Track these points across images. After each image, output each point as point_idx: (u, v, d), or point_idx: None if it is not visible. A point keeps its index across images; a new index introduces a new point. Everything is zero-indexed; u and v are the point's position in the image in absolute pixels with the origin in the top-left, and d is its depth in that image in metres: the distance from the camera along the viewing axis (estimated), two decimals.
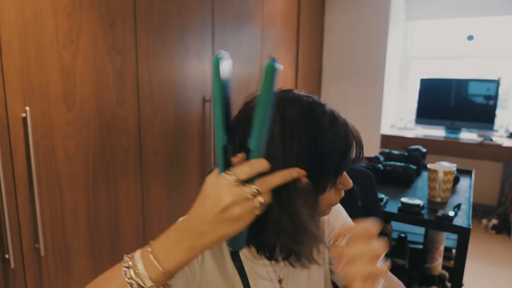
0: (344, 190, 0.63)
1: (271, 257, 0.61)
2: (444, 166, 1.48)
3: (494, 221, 3.13)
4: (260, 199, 0.46)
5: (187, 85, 1.70)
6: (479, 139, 3.00)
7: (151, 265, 0.46)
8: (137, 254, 0.48)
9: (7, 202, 1.04)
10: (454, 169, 1.47)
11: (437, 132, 3.30)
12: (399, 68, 3.65)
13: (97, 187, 1.33)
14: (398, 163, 1.73)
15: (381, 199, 1.41)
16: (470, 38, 3.35)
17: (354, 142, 0.58)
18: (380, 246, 0.50)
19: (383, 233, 1.32)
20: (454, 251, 1.71)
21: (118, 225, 1.43)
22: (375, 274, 0.48)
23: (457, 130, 3.20)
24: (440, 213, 1.30)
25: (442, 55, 3.54)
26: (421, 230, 1.77)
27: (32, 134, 1.08)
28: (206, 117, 1.85)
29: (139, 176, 1.49)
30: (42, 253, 1.14)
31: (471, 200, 1.51)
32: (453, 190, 1.60)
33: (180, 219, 0.52)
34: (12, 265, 1.06)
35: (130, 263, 0.47)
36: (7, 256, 1.05)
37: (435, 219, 1.30)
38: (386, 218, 1.37)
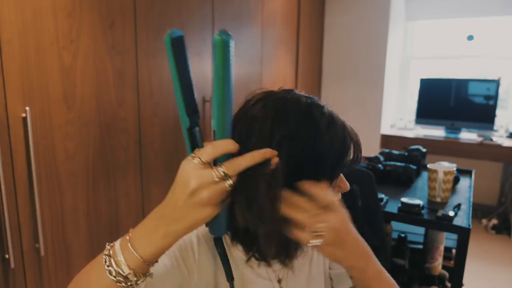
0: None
1: (246, 248, 0.61)
2: (444, 166, 1.48)
3: (494, 221, 3.13)
4: (229, 182, 0.44)
5: None
6: (479, 139, 3.00)
7: (129, 253, 0.46)
8: (117, 242, 0.48)
9: (7, 202, 1.04)
10: (454, 169, 1.47)
11: (437, 132, 3.30)
12: (399, 68, 3.65)
13: (97, 187, 1.33)
14: (398, 163, 1.73)
15: (381, 199, 1.41)
16: (470, 38, 3.35)
17: (352, 145, 0.58)
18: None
19: (383, 232, 1.32)
20: (454, 251, 1.71)
21: (118, 225, 1.43)
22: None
23: (457, 130, 3.20)
24: (440, 213, 1.30)
25: (442, 55, 3.54)
26: (421, 230, 1.77)
27: (32, 134, 1.08)
28: (206, 117, 1.85)
29: (139, 176, 1.49)
30: (42, 253, 1.14)
31: (471, 200, 1.51)
32: (453, 190, 1.60)
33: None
34: (12, 265, 1.06)
35: (111, 251, 0.47)
36: (7, 256, 1.05)
37: (435, 219, 1.30)
38: (386, 218, 1.37)
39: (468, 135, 3.18)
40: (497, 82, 3.01)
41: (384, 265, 0.65)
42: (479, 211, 3.33)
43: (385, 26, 3.11)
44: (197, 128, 0.47)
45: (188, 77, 0.46)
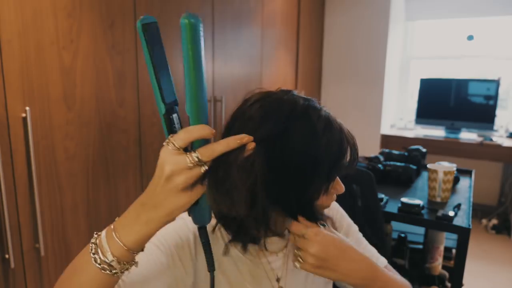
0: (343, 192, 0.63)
1: (234, 235, 0.63)
2: (444, 166, 1.48)
3: (494, 221, 3.13)
4: (204, 168, 0.44)
5: None
6: (479, 139, 3.00)
7: (113, 241, 0.46)
8: (104, 231, 0.48)
9: (7, 202, 1.04)
10: (454, 169, 1.47)
11: (437, 132, 3.30)
12: (399, 68, 3.65)
13: (97, 187, 1.33)
14: (398, 163, 1.73)
15: (381, 199, 1.41)
16: (470, 38, 3.35)
17: (348, 148, 0.58)
18: None
19: (383, 232, 1.32)
20: (454, 251, 1.71)
21: None
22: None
23: (457, 130, 3.20)
24: (440, 213, 1.30)
25: (442, 55, 3.54)
26: (421, 230, 1.77)
27: (32, 134, 1.08)
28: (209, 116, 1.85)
29: (139, 176, 1.49)
30: (42, 253, 1.14)
31: (471, 200, 1.51)
32: (453, 190, 1.60)
33: None
34: (12, 265, 1.06)
35: (97, 239, 0.48)
36: (7, 256, 1.05)
37: (435, 219, 1.30)
38: (386, 218, 1.37)
39: (468, 135, 3.18)
40: (497, 82, 3.01)
41: None
42: (479, 211, 3.33)
43: (385, 26, 3.11)
44: (174, 115, 0.46)
45: (163, 63, 0.45)
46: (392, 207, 1.40)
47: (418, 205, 1.33)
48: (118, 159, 1.40)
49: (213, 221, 0.65)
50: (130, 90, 1.42)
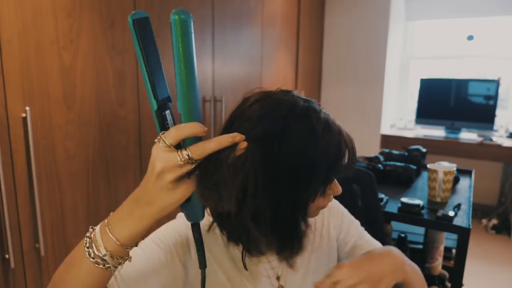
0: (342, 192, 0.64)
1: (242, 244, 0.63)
2: (444, 166, 1.48)
3: (494, 221, 3.13)
4: (194, 165, 0.44)
5: None
6: (479, 139, 3.00)
7: (106, 235, 0.47)
8: (98, 225, 0.49)
9: (7, 202, 1.04)
10: (454, 169, 1.47)
11: (437, 132, 3.30)
12: (399, 68, 3.65)
13: (97, 187, 1.33)
14: (398, 163, 1.73)
15: (381, 199, 1.41)
16: (470, 38, 3.35)
17: (347, 151, 0.58)
18: None
19: (383, 232, 1.32)
20: (454, 251, 1.71)
21: None
22: None
23: (457, 130, 3.20)
24: (440, 213, 1.30)
25: (442, 55, 3.54)
26: (421, 230, 1.77)
27: (32, 134, 1.08)
28: (206, 116, 1.85)
29: (139, 176, 1.49)
30: (42, 253, 1.14)
31: (471, 200, 1.51)
32: (453, 190, 1.60)
33: None
34: (12, 265, 1.06)
35: (92, 234, 0.48)
36: (7, 256, 1.05)
37: (435, 219, 1.30)
38: (386, 218, 1.37)
39: (468, 135, 3.18)
40: (497, 82, 3.02)
41: None
42: (479, 211, 3.33)
43: (385, 26, 3.11)
44: (167, 111, 0.46)
45: (155, 60, 0.45)
46: (392, 207, 1.40)
47: (418, 205, 1.33)
48: (118, 159, 1.40)
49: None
50: (130, 90, 1.42)
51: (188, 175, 0.45)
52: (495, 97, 3.02)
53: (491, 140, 2.97)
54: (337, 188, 0.62)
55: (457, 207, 1.38)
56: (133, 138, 1.45)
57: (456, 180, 1.69)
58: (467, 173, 1.88)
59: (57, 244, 1.21)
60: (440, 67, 3.61)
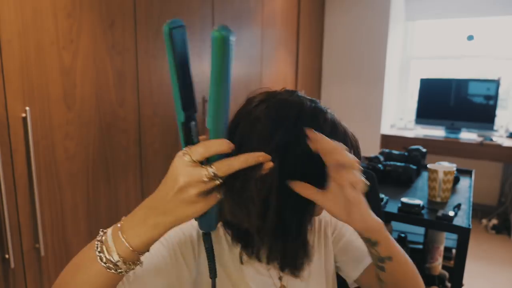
0: None
1: (245, 248, 0.63)
2: (444, 166, 1.48)
3: (494, 221, 3.13)
4: (219, 181, 0.44)
5: None
6: (479, 139, 3.00)
7: (119, 241, 0.46)
8: (110, 229, 0.48)
9: (7, 202, 1.04)
10: (454, 169, 1.47)
11: (437, 132, 3.30)
12: (399, 68, 3.65)
13: (97, 187, 1.33)
14: (398, 163, 1.73)
15: (381, 199, 1.41)
16: (470, 38, 3.35)
17: (352, 151, 0.59)
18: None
19: None
20: (454, 251, 1.71)
21: None
22: (358, 181, 0.50)
23: (457, 130, 3.20)
24: (440, 213, 1.30)
25: (442, 55, 3.54)
26: (421, 230, 1.77)
27: (32, 134, 1.08)
28: (206, 116, 1.85)
29: (139, 176, 1.49)
30: (42, 253, 1.14)
31: (471, 200, 1.51)
32: (453, 190, 1.60)
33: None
34: (12, 265, 1.06)
35: (103, 237, 0.48)
36: (7, 256, 1.05)
37: (435, 219, 1.30)
38: (386, 218, 1.37)
39: (468, 135, 3.18)
40: (497, 82, 3.01)
41: None
42: (479, 211, 3.33)
43: (385, 26, 3.11)
44: (192, 123, 0.46)
45: (186, 70, 0.44)
46: (392, 207, 1.40)
47: (418, 205, 1.33)
48: (118, 159, 1.40)
49: None
50: (130, 90, 1.42)
51: (216, 191, 0.45)
52: (495, 97, 3.02)
53: (491, 140, 2.97)
54: None
55: (457, 207, 1.38)
56: (133, 138, 1.45)
57: (456, 180, 1.69)
58: (467, 173, 1.88)
59: (57, 244, 1.21)
60: (440, 67, 3.61)
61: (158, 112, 1.55)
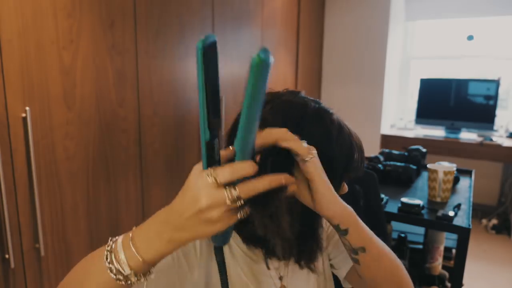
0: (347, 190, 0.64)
1: (267, 251, 0.63)
2: (444, 166, 1.48)
3: (494, 221, 3.13)
4: (240, 202, 0.43)
5: (187, 85, 1.70)
6: (479, 139, 3.00)
7: (130, 252, 0.45)
8: (120, 239, 0.47)
9: (7, 202, 1.04)
10: (454, 169, 1.47)
11: (437, 132, 3.30)
12: (399, 68, 3.65)
13: (97, 186, 1.33)
14: (398, 163, 1.73)
15: (381, 199, 1.41)
16: (470, 38, 3.35)
17: (356, 152, 0.59)
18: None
19: (386, 234, 1.32)
20: (454, 251, 1.71)
21: (118, 225, 1.42)
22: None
23: (457, 130, 3.20)
24: (440, 213, 1.30)
25: (442, 55, 3.54)
26: (421, 230, 1.77)
27: (32, 134, 1.08)
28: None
29: (139, 176, 1.49)
30: (42, 253, 1.14)
31: (471, 200, 1.51)
32: (453, 190, 1.60)
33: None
34: (12, 265, 1.06)
35: (113, 247, 0.47)
36: (7, 256, 1.05)
37: (435, 219, 1.30)
38: (386, 218, 1.37)
39: (468, 135, 3.18)
40: (497, 82, 3.01)
41: None
42: (479, 211, 3.33)
43: (385, 26, 3.11)
44: (216, 140, 0.45)
45: (215, 87, 0.43)
46: (392, 207, 1.40)
47: (418, 205, 1.33)
48: (118, 159, 1.40)
49: None
50: (130, 90, 1.42)
51: (236, 213, 0.44)
52: (495, 97, 3.02)
53: (491, 140, 2.97)
54: (344, 187, 0.64)
55: (457, 207, 1.38)
56: (133, 138, 1.45)
57: (456, 180, 1.69)
58: (467, 173, 1.88)
59: (57, 244, 1.21)
60: (440, 67, 3.61)
61: (158, 112, 1.55)
